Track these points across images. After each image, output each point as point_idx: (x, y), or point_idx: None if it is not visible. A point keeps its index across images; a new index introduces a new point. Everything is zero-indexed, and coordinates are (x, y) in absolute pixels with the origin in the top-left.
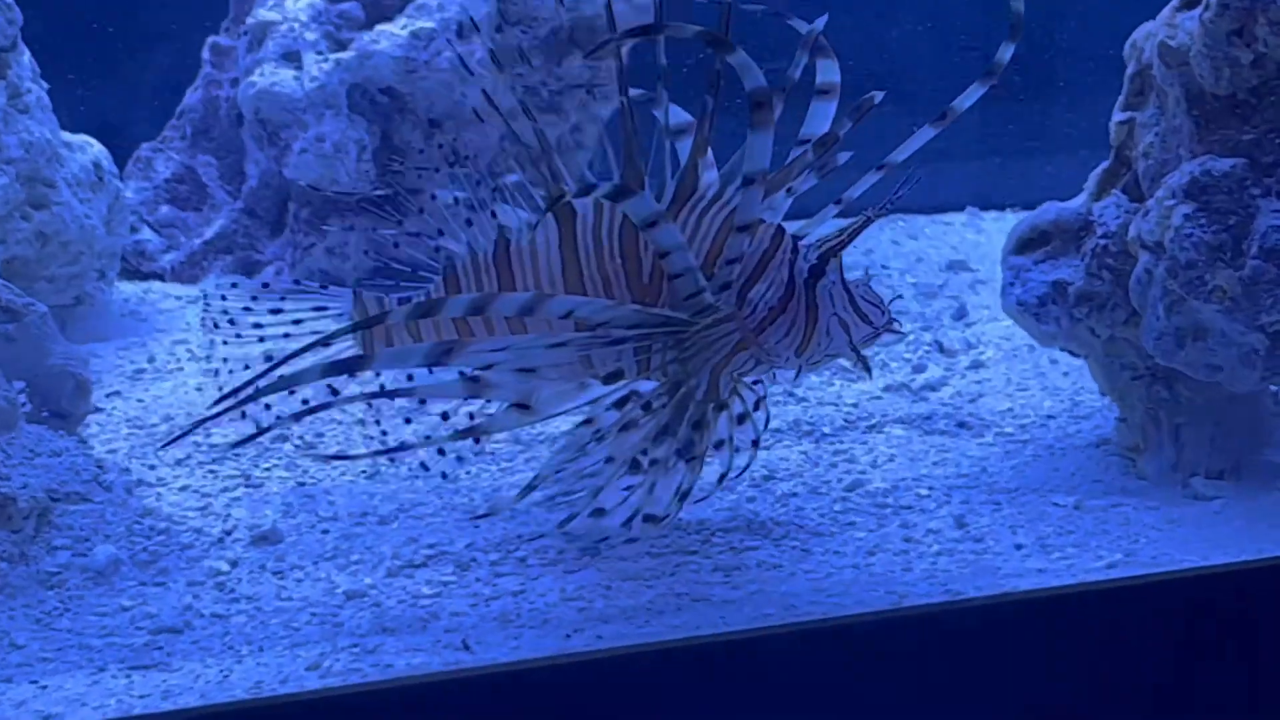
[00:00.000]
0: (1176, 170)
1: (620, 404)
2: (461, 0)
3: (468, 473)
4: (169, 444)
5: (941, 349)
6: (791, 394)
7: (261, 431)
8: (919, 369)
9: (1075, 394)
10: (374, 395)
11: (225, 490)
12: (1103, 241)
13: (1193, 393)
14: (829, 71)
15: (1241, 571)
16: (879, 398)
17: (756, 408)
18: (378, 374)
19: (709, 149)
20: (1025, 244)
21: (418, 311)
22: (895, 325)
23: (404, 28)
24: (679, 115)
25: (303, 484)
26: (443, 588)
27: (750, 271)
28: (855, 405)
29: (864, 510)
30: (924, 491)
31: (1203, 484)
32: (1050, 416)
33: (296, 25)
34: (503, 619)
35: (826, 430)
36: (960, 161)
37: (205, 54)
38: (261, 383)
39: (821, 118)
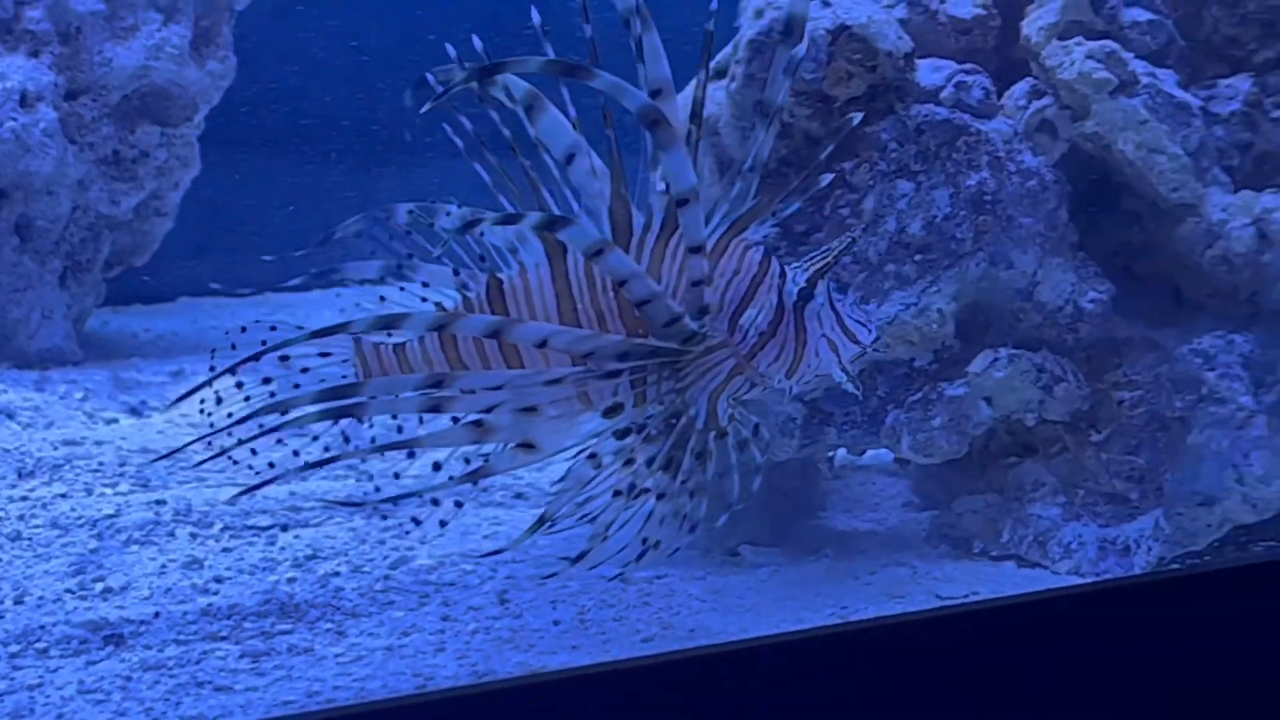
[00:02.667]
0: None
1: (622, 435)
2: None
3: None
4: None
5: None
6: (352, 466)
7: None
8: None
9: None
10: (380, 449)
11: None
12: None
13: None
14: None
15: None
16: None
17: (756, 433)
18: (368, 422)
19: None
20: None
21: (376, 324)
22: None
23: None
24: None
25: None
26: None
27: (740, 298)
28: (397, 477)
29: (406, 589)
30: (469, 567)
31: (751, 552)
32: None
33: None
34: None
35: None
36: None
37: None
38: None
39: (760, 142)
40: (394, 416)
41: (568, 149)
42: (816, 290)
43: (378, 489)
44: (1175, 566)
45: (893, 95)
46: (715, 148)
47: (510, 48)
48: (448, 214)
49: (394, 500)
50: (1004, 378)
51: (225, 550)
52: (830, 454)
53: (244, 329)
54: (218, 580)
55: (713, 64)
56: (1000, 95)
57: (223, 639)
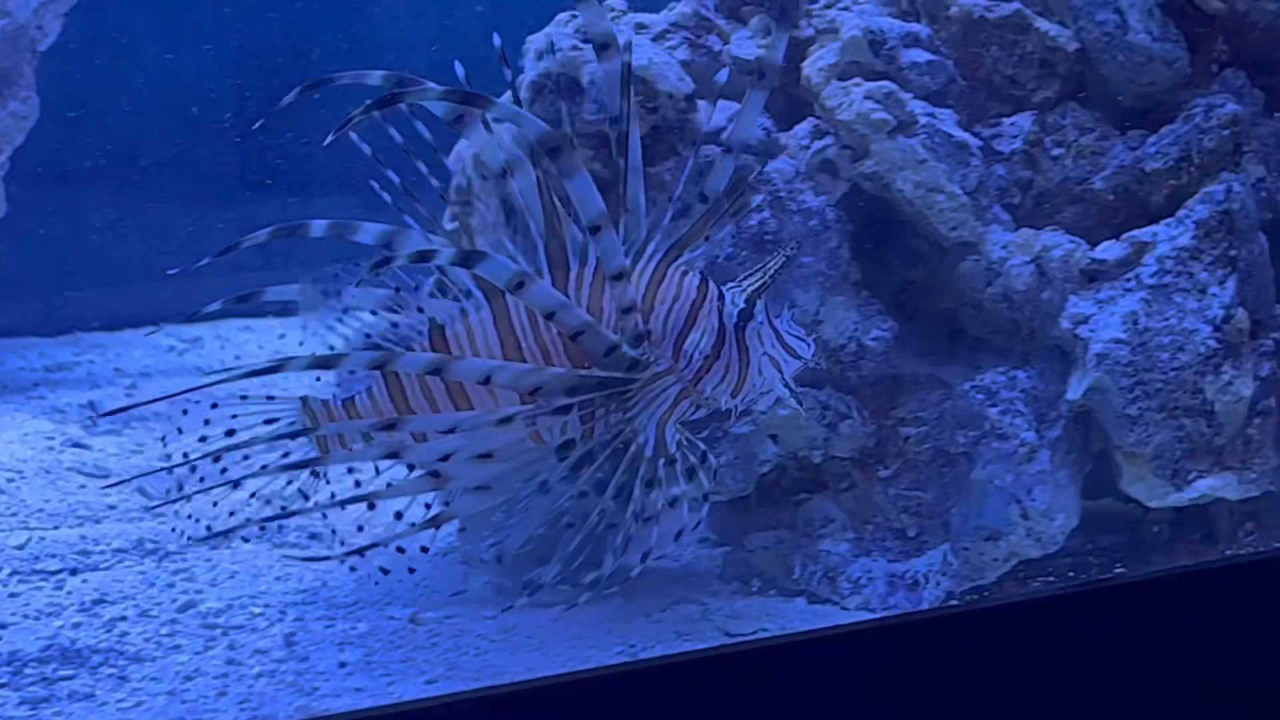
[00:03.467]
0: None
1: (574, 467)
2: None
3: None
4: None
5: None
6: (147, 510)
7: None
8: None
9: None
10: (338, 503)
11: None
12: None
13: None
14: (744, 130)
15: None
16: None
17: (703, 460)
18: (323, 476)
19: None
20: None
21: (313, 364)
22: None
23: None
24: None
25: None
26: None
27: (682, 323)
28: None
29: (192, 632)
30: (258, 610)
31: (544, 590)
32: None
33: None
34: None
35: (171, 548)
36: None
37: None
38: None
39: (724, 171)
40: (350, 470)
41: (505, 164)
42: (755, 310)
43: (343, 541)
44: (960, 602)
45: (675, 136)
46: (500, 189)
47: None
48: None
49: (360, 551)
50: (789, 415)
51: (11, 595)
52: None
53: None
54: (1, 626)
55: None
56: (784, 134)
57: (2, 686)
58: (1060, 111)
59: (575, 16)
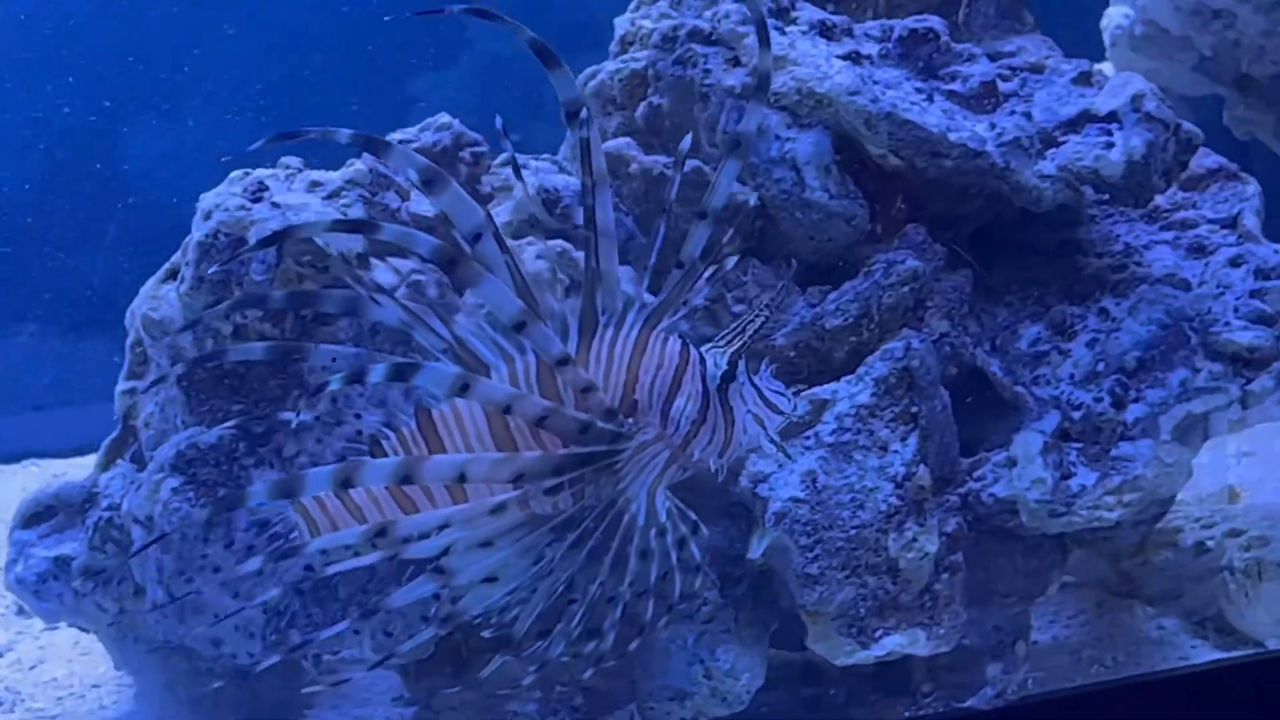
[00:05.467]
0: (167, 442)
1: (574, 544)
2: None
3: None
4: None
5: (21, 609)
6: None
7: None
8: None
9: None
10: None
11: None
12: (107, 514)
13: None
14: (719, 197)
15: None
16: None
17: (695, 531)
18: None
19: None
20: (32, 518)
21: (275, 492)
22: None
23: None
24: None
25: None
26: None
27: (668, 390)
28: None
29: None
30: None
31: None
32: (96, 685)
33: None
34: None
35: None
36: None
37: None
38: None
39: (699, 238)
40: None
41: (475, 228)
42: (737, 370)
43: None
44: None
45: (307, 287)
46: (171, 349)
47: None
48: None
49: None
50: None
51: None
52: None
53: None
54: None
55: (164, 266)
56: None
57: None
58: (742, 268)
59: (247, 174)
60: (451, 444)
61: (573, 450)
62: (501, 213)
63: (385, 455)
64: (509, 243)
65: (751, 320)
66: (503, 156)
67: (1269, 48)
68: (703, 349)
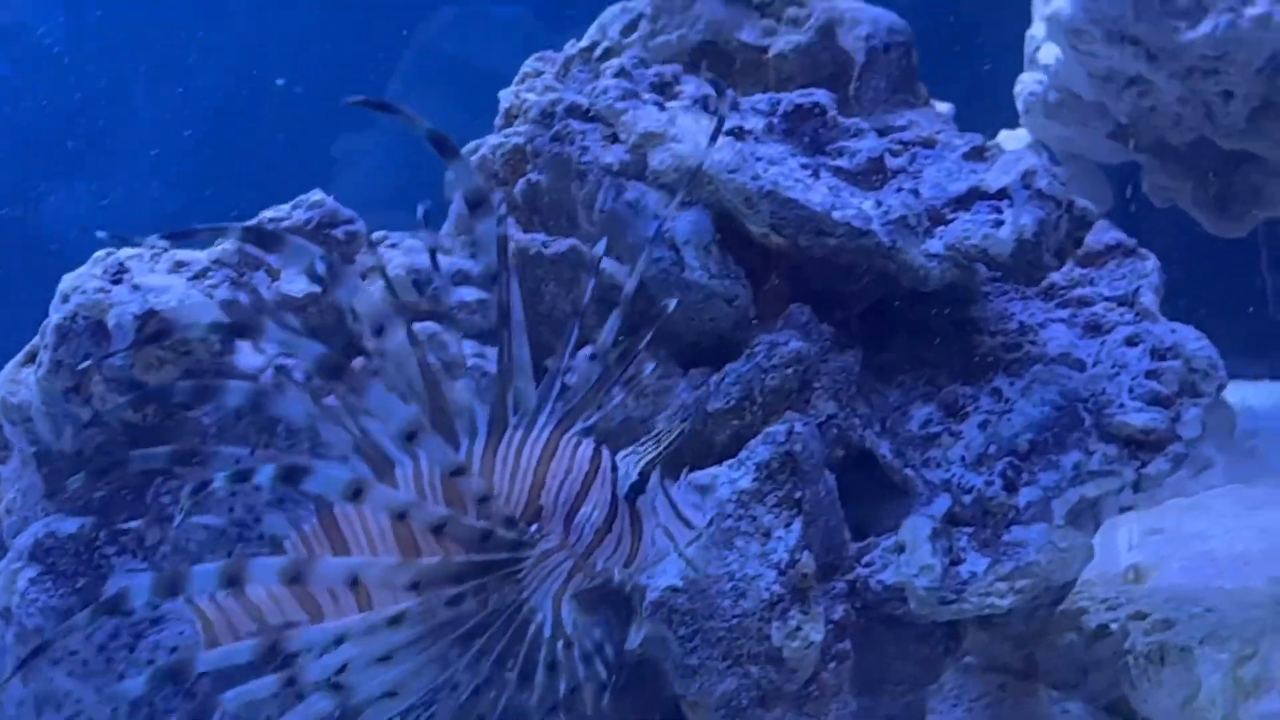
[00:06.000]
0: (26, 530)
1: (478, 657)
2: None
3: None
4: None
5: None
6: None
7: None
8: None
9: None
10: None
11: None
12: None
13: None
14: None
15: None
16: None
17: (600, 649)
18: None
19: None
20: None
21: (158, 588)
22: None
23: None
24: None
25: None
26: None
27: (574, 497)
28: None
29: None
30: None
31: None
32: None
33: None
34: None
35: None
36: None
37: None
38: None
39: (609, 329)
40: None
41: (378, 320)
42: (649, 481)
43: None
44: None
45: (211, 379)
46: (30, 435)
47: None
48: None
49: None
50: None
51: None
52: None
53: None
54: None
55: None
56: None
57: None
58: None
59: (110, 254)
60: (355, 543)
61: (472, 557)
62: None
63: (284, 553)
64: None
65: (669, 430)
66: (376, 235)
67: (1185, 115)
68: (618, 456)
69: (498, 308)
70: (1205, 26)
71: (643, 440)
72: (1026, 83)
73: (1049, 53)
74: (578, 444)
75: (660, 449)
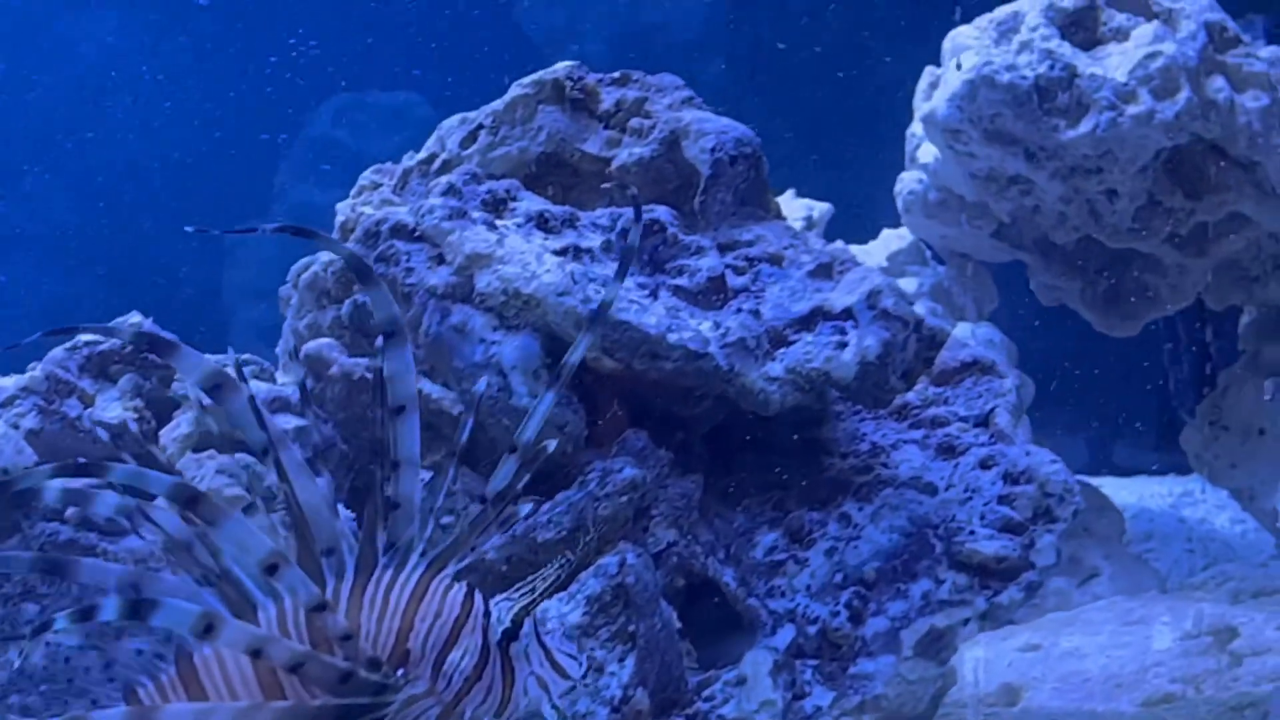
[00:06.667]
0: None
1: None
2: None
3: None
4: None
5: None
6: None
7: None
8: None
9: None
10: None
11: None
12: None
13: None
14: (531, 430)
15: None
16: None
17: None
18: None
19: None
20: None
21: None
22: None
23: None
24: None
25: None
26: None
27: (443, 642)
28: None
29: None
30: None
31: None
32: None
33: None
34: None
35: None
36: None
37: None
38: None
39: (505, 473)
40: None
41: (260, 445)
42: (523, 628)
43: None
44: None
45: (18, 513)
46: None
47: None
48: None
49: None
50: None
51: None
52: None
53: None
54: None
55: None
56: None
57: None
58: (450, 476)
59: None
60: (214, 690)
61: (330, 702)
62: (183, 423)
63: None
64: (294, 466)
65: (546, 577)
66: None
67: (1069, 214)
68: (492, 601)
69: (380, 444)
70: (1085, 125)
71: (518, 586)
72: (906, 181)
73: (928, 152)
74: (449, 587)
75: (536, 595)
